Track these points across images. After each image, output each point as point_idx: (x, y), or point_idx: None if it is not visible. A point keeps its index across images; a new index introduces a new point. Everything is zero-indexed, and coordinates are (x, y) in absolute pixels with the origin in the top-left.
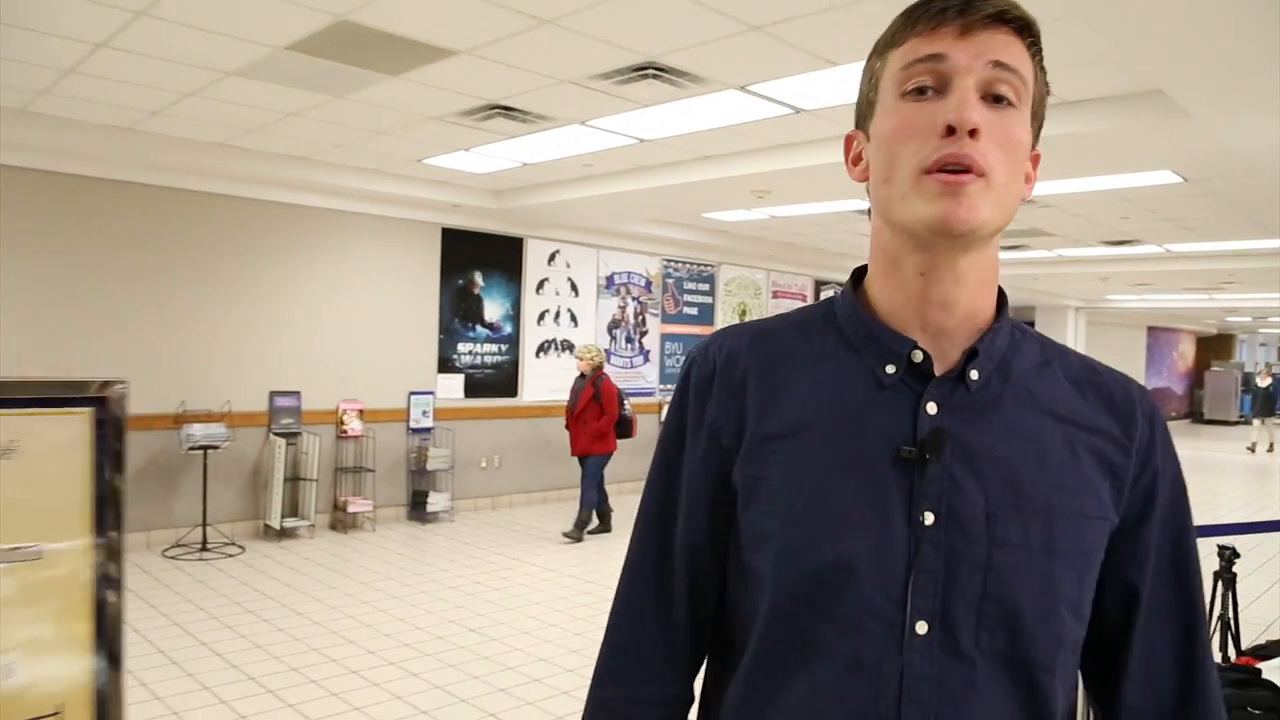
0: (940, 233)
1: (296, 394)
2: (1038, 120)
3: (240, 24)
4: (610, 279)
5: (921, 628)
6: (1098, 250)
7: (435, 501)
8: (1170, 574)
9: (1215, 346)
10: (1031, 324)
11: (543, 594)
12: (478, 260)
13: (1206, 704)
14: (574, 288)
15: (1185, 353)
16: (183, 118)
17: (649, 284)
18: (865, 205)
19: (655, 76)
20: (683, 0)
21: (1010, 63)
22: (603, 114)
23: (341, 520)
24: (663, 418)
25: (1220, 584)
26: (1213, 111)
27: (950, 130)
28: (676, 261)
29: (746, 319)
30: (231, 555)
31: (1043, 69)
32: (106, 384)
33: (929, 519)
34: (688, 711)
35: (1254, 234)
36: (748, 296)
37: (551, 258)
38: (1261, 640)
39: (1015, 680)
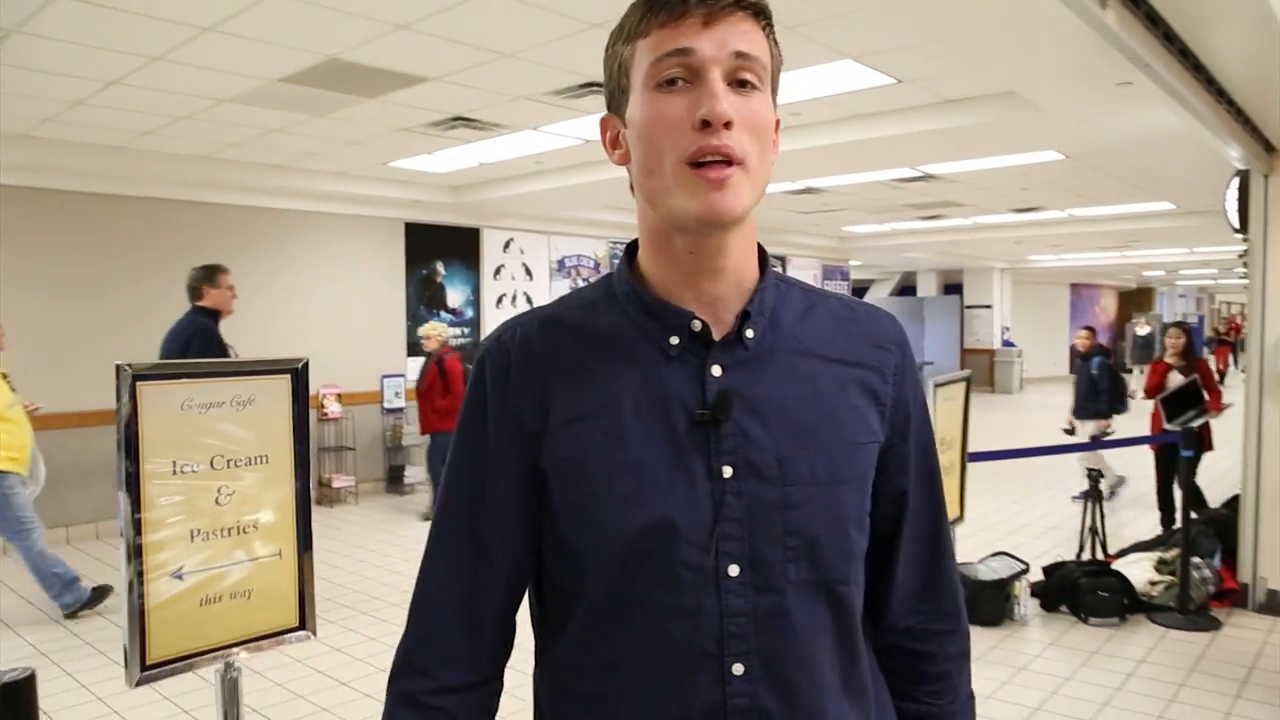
0: (708, 224)
1: None
2: (775, 91)
3: (244, 64)
4: (561, 262)
5: (733, 570)
6: (1008, 217)
7: (411, 475)
8: (923, 478)
9: (1136, 300)
10: (960, 286)
11: None
12: (439, 251)
13: (948, 573)
14: (528, 272)
15: (1107, 307)
16: (171, 136)
17: (597, 265)
18: (791, 187)
19: (598, 91)
20: None
21: (752, 51)
22: (554, 121)
23: (327, 495)
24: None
25: (1089, 500)
26: (1058, 107)
27: (705, 124)
28: (622, 243)
29: None
30: None
31: (775, 43)
32: (296, 360)
33: (728, 472)
34: (499, 689)
35: (1142, 199)
36: None
37: (506, 245)
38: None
39: (821, 598)
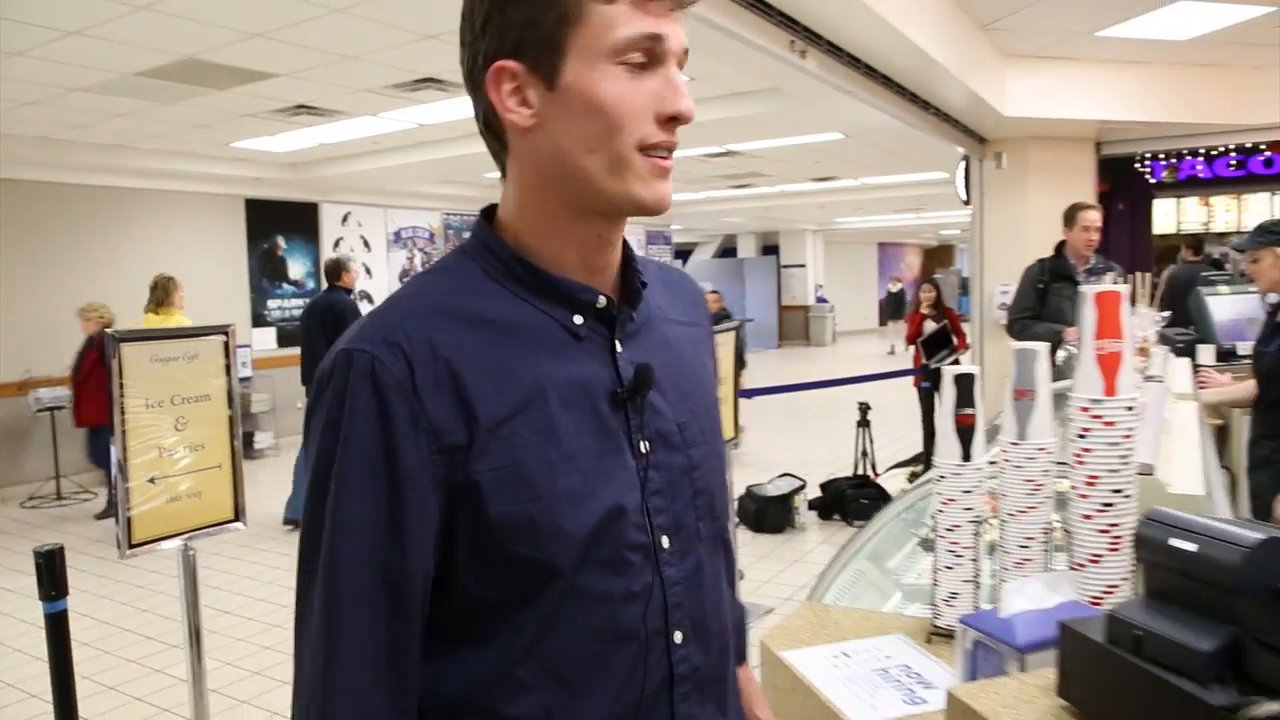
0: (652, 211)
1: None
2: None
3: (103, 60)
4: (398, 234)
5: (665, 542)
6: (808, 185)
7: (261, 440)
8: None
9: (939, 256)
10: (777, 248)
11: None
12: (279, 225)
13: None
14: (366, 244)
15: (912, 263)
16: (13, 119)
17: (432, 236)
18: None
19: (433, 85)
20: (449, 45)
21: (687, 47)
22: (391, 109)
23: None
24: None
25: (860, 427)
26: (817, 101)
27: (673, 119)
28: (456, 214)
29: None
30: (86, 500)
31: None
32: (226, 326)
33: (644, 447)
34: None
35: (919, 169)
36: None
37: (345, 219)
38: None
39: (719, 549)
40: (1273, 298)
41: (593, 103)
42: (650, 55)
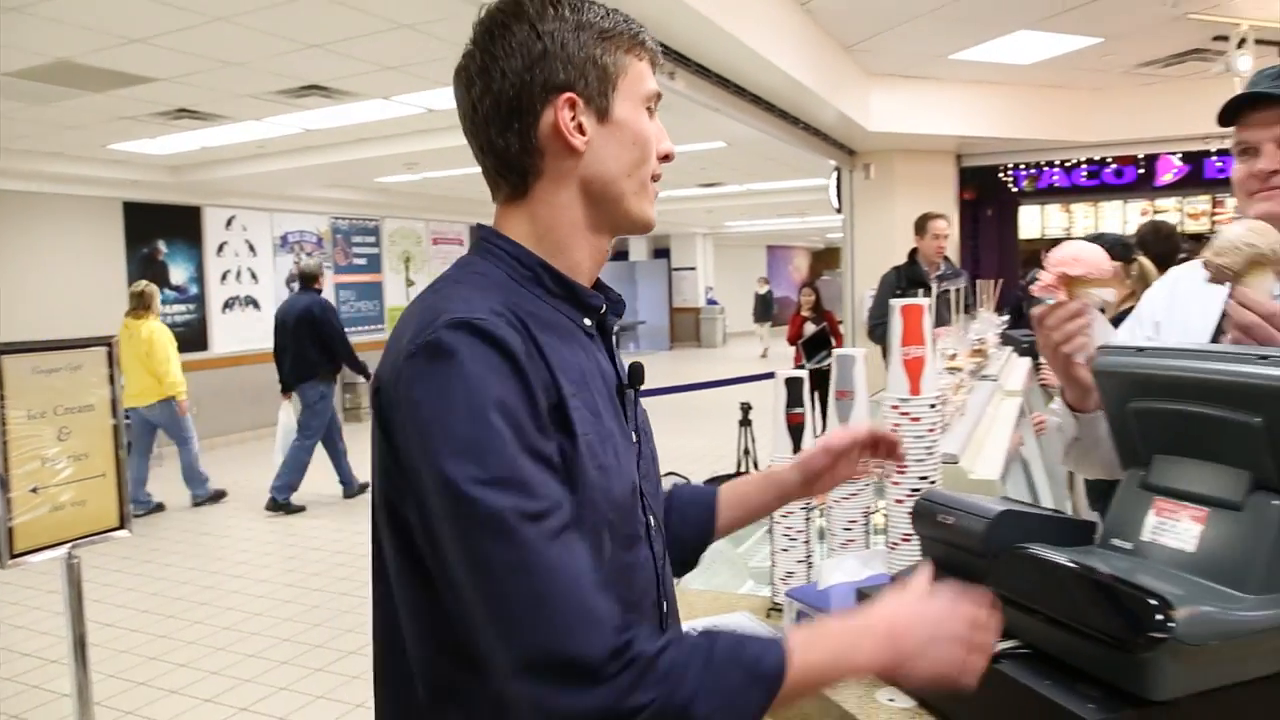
0: (648, 229)
1: None
2: None
3: None
4: (284, 238)
5: (652, 520)
6: (696, 190)
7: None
8: None
9: (826, 259)
10: (668, 251)
11: (244, 528)
12: (160, 229)
13: None
14: (251, 249)
15: (800, 265)
16: None
17: (320, 240)
18: None
19: (319, 92)
20: (333, 54)
21: None
22: (276, 114)
23: None
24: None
25: (742, 426)
26: (695, 114)
27: (665, 156)
28: (344, 218)
29: (410, 265)
30: None
31: None
32: (109, 337)
33: (633, 436)
34: None
35: (801, 176)
36: (410, 245)
37: (229, 223)
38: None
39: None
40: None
41: (638, 136)
42: (652, 106)
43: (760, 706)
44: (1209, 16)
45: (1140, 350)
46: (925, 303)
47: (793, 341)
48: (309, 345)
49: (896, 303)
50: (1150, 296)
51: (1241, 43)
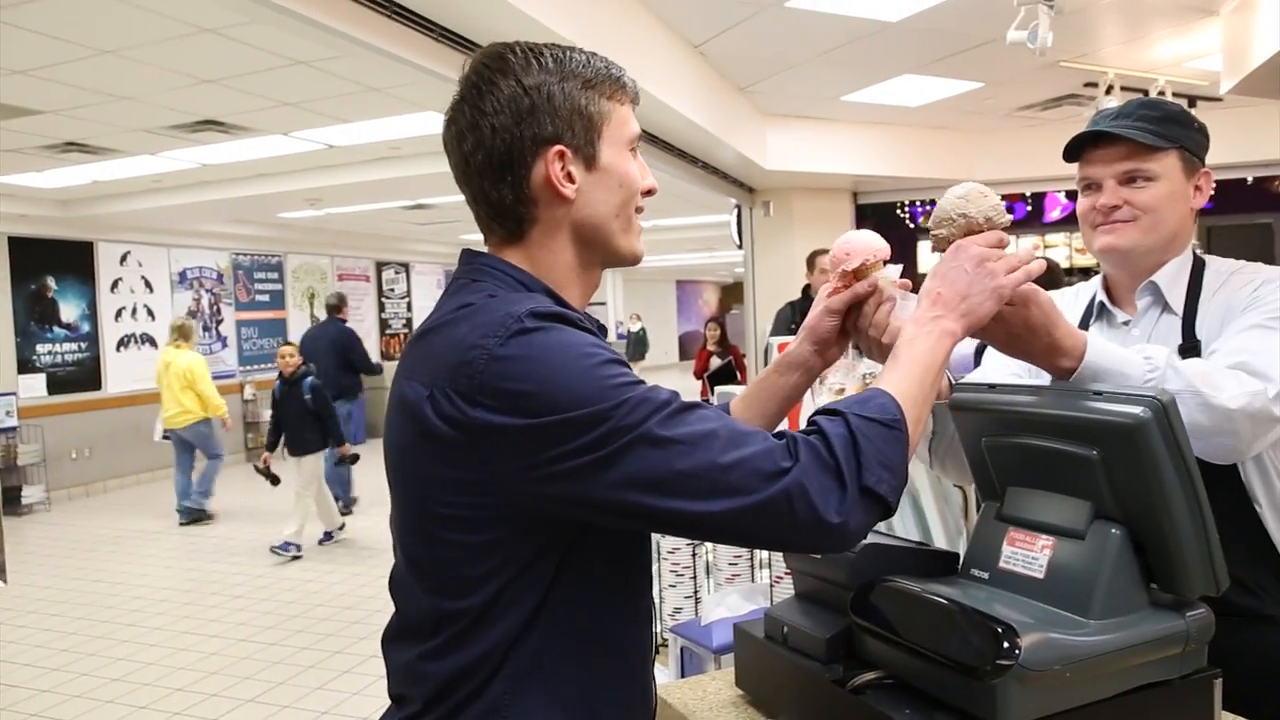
0: (636, 262)
1: None
2: None
3: None
4: (183, 274)
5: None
6: None
7: (29, 494)
8: None
9: (736, 292)
10: None
11: (143, 571)
12: (49, 265)
13: None
14: (148, 285)
15: (710, 299)
16: None
17: (220, 276)
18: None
19: (215, 127)
20: (228, 89)
21: None
22: (172, 149)
23: None
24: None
25: None
26: None
27: (648, 191)
28: (246, 254)
29: (315, 301)
30: None
31: None
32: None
33: None
34: None
35: (707, 212)
36: (315, 281)
37: (124, 258)
38: None
39: None
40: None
41: (624, 178)
42: (634, 147)
43: (903, 444)
44: (1079, 65)
45: (991, 387)
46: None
47: (699, 375)
48: (338, 368)
49: (775, 340)
50: None
51: (1110, 89)
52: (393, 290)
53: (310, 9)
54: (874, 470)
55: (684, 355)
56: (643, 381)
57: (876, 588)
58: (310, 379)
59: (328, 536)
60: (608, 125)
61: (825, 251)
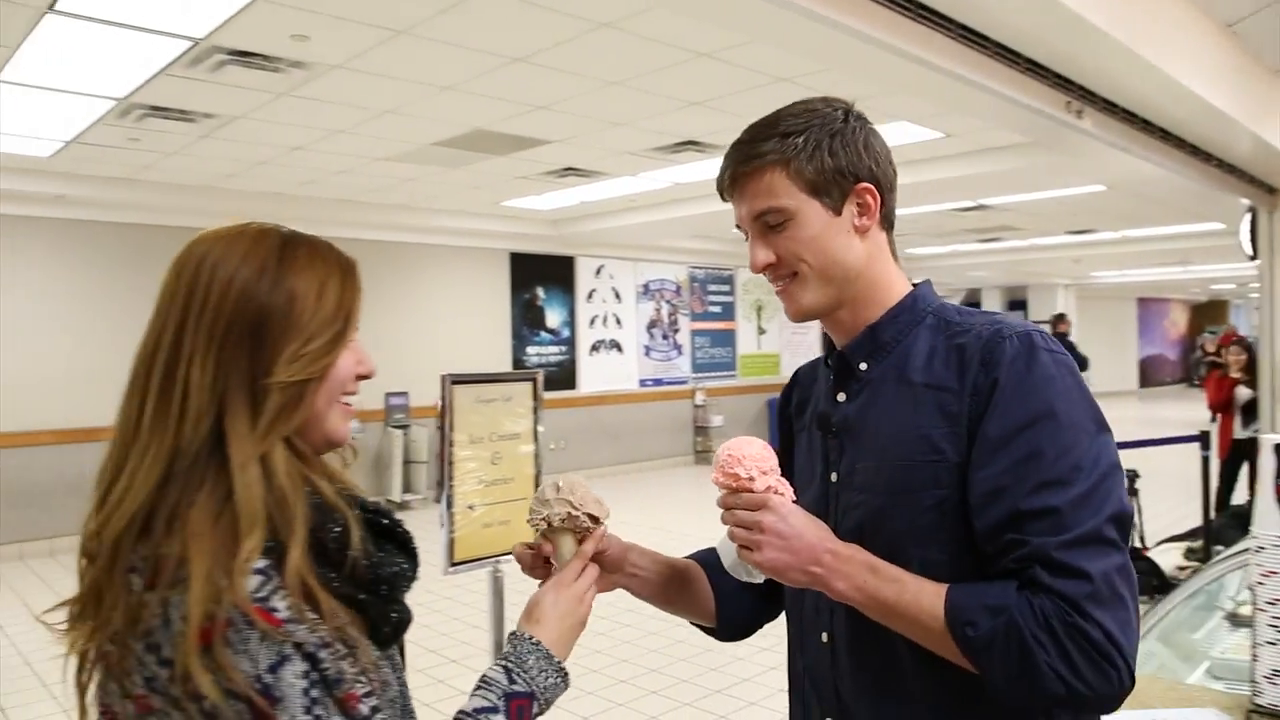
0: None
1: (405, 394)
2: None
3: (407, 134)
4: (646, 286)
5: None
6: (1064, 238)
7: None
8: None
9: (1209, 313)
10: (1024, 303)
11: None
12: (539, 277)
13: None
14: (617, 295)
15: (1177, 320)
16: (329, 185)
17: (678, 288)
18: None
19: (693, 147)
20: (711, 110)
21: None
22: (651, 170)
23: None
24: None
25: (1129, 496)
26: (1086, 154)
27: None
28: (701, 268)
29: (762, 314)
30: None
31: None
32: (535, 371)
33: (834, 478)
34: None
35: (1190, 220)
36: (763, 294)
37: (598, 271)
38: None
39: None
40: None
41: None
42: None
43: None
44: None
45: None
46: None
47: (1216, 407)
48: None
49: None
50: None
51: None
52: None
53: (835, 11)
54: None
55: (1144, 382)
56: None
57: None
58: None
59: None
60: None
61: None
